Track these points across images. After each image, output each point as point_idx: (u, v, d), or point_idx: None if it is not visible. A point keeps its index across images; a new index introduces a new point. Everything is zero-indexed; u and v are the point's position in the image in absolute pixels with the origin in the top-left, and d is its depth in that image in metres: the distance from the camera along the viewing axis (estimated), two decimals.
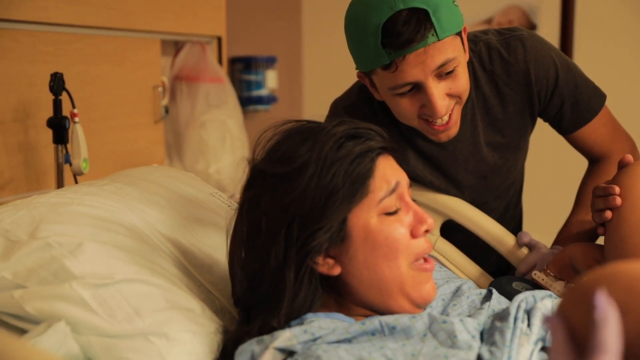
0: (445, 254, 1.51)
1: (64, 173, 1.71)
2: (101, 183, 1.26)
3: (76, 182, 1.75)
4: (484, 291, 1.16)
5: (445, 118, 1.33)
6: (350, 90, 1.56)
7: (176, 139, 2.38)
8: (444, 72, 1.27)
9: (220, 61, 2.57)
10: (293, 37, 3.35)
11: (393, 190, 1.03)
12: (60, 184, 1.71)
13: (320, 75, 3.40)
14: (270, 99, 2.96)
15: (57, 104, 1.67)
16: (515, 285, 1.35)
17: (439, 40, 1.24)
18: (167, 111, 2.35)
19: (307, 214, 0.99)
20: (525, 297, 1.08)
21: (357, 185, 1.00)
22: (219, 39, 2.57)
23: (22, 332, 0.94)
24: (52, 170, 1.75)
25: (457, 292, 1.15)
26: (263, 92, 2.92)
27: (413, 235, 1.03)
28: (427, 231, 1.04)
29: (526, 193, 1.71)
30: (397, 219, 1.03)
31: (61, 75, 1.67)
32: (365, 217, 1.01)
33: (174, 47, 2.48)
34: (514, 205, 1.64)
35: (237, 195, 2.23)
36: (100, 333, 0.92)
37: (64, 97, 1.69)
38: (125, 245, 1.07)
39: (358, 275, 1.02)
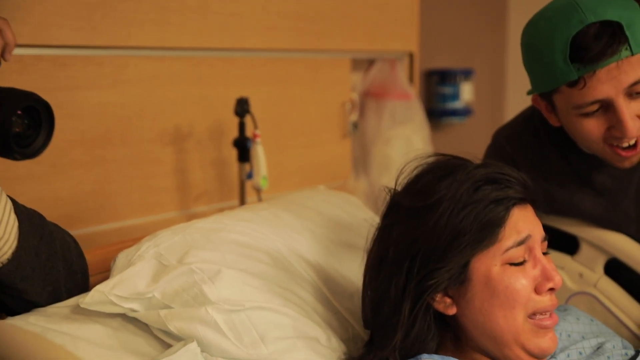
0: (607, 293, 1.43)
1: (245, 188, 1.86)
2: (259, 208, 1.37)
3: (259, 196, 1.90)
4: (630, 352, 1.10)
5: (632, 141, 1.26)
6: (514, 120, 1.53)
7: (363, 154, 2.47)
8: (634, 92, 1.21)
9: (411, 76, 2.61)
10: (496, 49, 3.28)
11: (522, 242, 1.01)
12: (242, 198, 1.87)
13: (527, 86, 3.29)
14: (465, 112, 2.95)
15: (241, 126, 1.82)
16: None
17: (632, 55, 1.18)
18: (356, 126, 2.44)
19: (430, 251, 1.01)
20: None
21: (486, 232, 1.00)
22: (411, 55, 2.61)
23: (169, 346, 1.07)
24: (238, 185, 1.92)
25: (598, 350, 1.09)
26: (458, 104, 2.92)
27: (537, 291, 1.01)
28: (552, 289, 1.01)
29: None
30: (520, 270, 1.01)
31: (246, 99, 1.82)
32: (489, 264, 1.00)
33: (365, 62, 2.56)
34: None
35: None
36: (228, 355, 1.02)
37: (250, 118, 1.84)
38: (263, 273, 1.16)
39: (473, 319, 1.02)
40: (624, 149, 1.26)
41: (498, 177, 1.03)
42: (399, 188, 1.10)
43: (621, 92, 1.19)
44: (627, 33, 1.16)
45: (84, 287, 1.15)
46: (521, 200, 1.03)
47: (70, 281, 1.11)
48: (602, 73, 1.18)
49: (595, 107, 1.22)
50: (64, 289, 1.10)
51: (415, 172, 1.10)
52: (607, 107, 1.22)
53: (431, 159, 1.10)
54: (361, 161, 2.47)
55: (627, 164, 1.30)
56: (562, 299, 1.46)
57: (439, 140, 2.86)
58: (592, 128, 1.25)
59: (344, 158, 2.42)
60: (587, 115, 1.24)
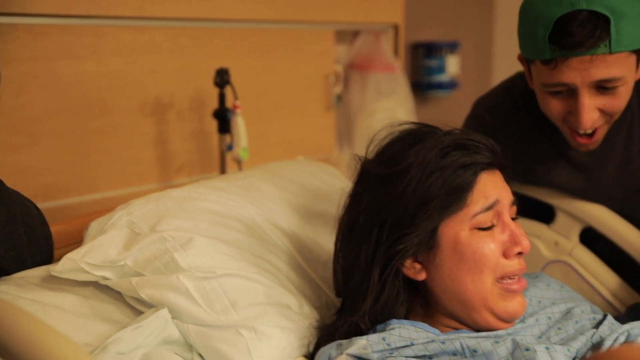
0: (582, 261, 1.44)
1: (226, 160, 1.86)
2: (236, 177, 1.37)
3: (239, 167, 1.89)
4: (599, 316, 1.10)
5: (589, 131, 1.26)
6: (495, 90, 1.53)
7: (348, 126, 2.46)
8: (603, 87, 1.20)
9: (396, 49, 2.60)
10: (483, 21, 3.27)
11: (490, 207, 1.01)
12: (223, 169, 1.87)
13: (513, 61, 3.28)
14: (451, 85, 2.94)
15: (221, 97, 1.81)
16: None
17: (610, 54, 1.15)
18: (340, 99, 2.43)
19: (399, 217, 1.01)
20: (630, 328, 1.02)
21: (453, 197, 1.01)
22: (396, 27, 2.59)
23: (141, 313, 1.07)
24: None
25: (566, 315, 1.10)
26: (443, 77, 2.91)
27: (505, 255, 1.02)
28: (520, 253, 1.02)
29: None
30: (489, 235, 1.01)
31: (226, 69, 1.80)
32: (457, 228, 1.01)
33: (351, 34, 2.54)
34: None
35: None
36: (199, 322, 1.02)
37: (230, 89, 1.83)
38: (235, 241, 1.16)
39: (442, 284, 1.02)
40: (580, 135, 1.27)
41: (466, 143, 1.03)
42: (370, 156, 1.10)
43: (587, 84, 1.18)
44: (612, 30, 1.13)
45: (48, 253, 1.14)
46: (489, 166, 1.03)
47: (32, 246, 1.10)
48: (575, 62, 1.17)
49: (560, 89, 1.22)
50: (27, 254, 1.09)
51: (385, 141, 1.10)
52: (571, 92, 1.22)
53: (401, 127, 1.10)
54: (345, 133, 2.46)
55: (582, 149, 1.31)
56: (538, 267, 1.47)
57: (425, 113, 2.86)
58: (555, 107, 1.25)
59: (327, 130, 2.41)
60: (552, 94, 1.24)
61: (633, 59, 1.19)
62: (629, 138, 1.36)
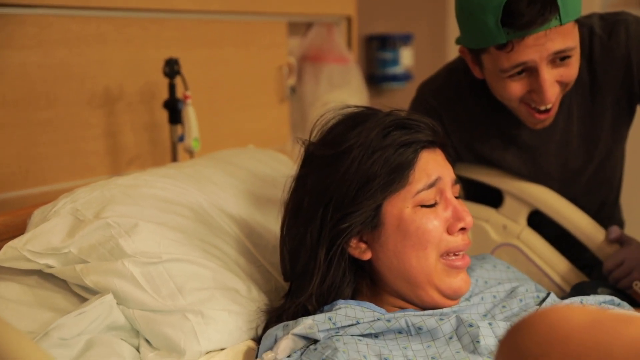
0: (530, 244, 1.46)
1: (177, 151, 1.84)
2: (184, 165, 1.36)
3: (191, 158, 1.87)
4: (542, 294, 1.12)
5: (549, 106, 1.29)
6: (438, 73, 1.55)
7: (302, 118, 2.46)
8: (558, 58, 1.23)
9: (349, 41, 2.61)
10: (436, 13, 3.29)
11: (432, 185, 1.03)
12: (174, 160, 1.85)
13: None
14: (405, 77, 2.96)
15: (171, 87, 1.79)
16: (600, 291, 1.29)
17: (561, 25, 1.19)
18: (294, 90, 2.43)
19: (342, 197, 1.02)
20: (569, 304, 1.04)
21: (395, 175, 1.02)
22: (349, 19, 2.60)
23: (86, 301, 1.05)
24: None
25: (511, 293, 1.12)
26: (398, 69, 2.92)
27: (449, 231, 1.03)
28: (463, 229, 1.03)
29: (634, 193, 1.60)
30: (432, 212, 1.02)
31: (175, 59, 1.78)
32: (400, 206, 1.02)
33: (303, 26, 2.54)
34: (611, 203, 1.54)
35: None
36: (145, 307, 1.02)
37: (180, 79, 1.81)
38: (182, 226, 1.15)
39: (387, 262, 1.03)
40: (540, 111, 1.29)
41: (407, 122, 1.04)
42: (314, 139, 1.11)
43: (545, 58, 1.22)
44: (559, 2, 1.17)
45: None
46: (430, 144, 1.05)
47: None
48: (530, 40, 1.20)
49: (519, 69, 1.24)
50: None
51: (329, 124, 1.10)
52: (530, 71, 1.25)
53: (344, 111, 1.11)
54: (299, 125, 2.46)
55: (539, 126, 1.34)
56: (487, 250, 1.49)
57: (379, 105, 2.86)
58: (514, 90, 1.27)
59: (281, 122, 2.41)
60: (511, 77, 1.26)
61: (577, 27, 1.24)
62: (568, 117, 1.39)
